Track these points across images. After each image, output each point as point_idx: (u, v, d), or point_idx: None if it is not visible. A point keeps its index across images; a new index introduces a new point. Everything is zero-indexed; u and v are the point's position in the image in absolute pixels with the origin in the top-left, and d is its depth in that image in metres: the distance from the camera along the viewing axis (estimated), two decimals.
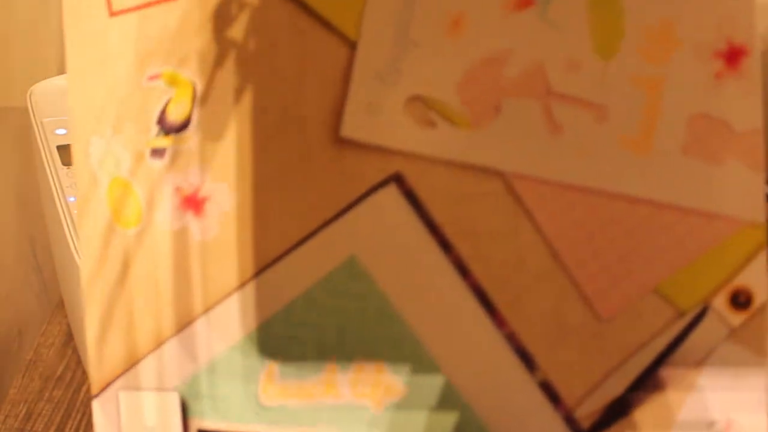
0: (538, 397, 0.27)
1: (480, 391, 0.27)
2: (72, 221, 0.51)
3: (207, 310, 0.27)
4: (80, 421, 0.55)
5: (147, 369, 0.28)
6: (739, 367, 0.25)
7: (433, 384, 0.27)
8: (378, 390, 0.27)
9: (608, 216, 0.26)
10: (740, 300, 0.25)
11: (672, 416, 0.26)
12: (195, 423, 0.28)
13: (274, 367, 0.27)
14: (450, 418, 0.27)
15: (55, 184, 0.54)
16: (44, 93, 0.64)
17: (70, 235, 0.50)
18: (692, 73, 0.25)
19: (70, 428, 0.55)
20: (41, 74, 0.74)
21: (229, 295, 0.27)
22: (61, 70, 0.75)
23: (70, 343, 0.61)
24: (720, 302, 0.26)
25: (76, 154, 0.28)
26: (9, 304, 0.72)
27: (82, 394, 0.57)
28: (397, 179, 0.26)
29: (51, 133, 0.59)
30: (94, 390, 0.29)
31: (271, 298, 0.27)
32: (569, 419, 0.27)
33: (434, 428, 0.27)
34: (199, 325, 0.28)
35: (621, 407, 0.26)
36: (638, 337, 0.26)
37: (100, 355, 0.28)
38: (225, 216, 0.27)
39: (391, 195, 0.26)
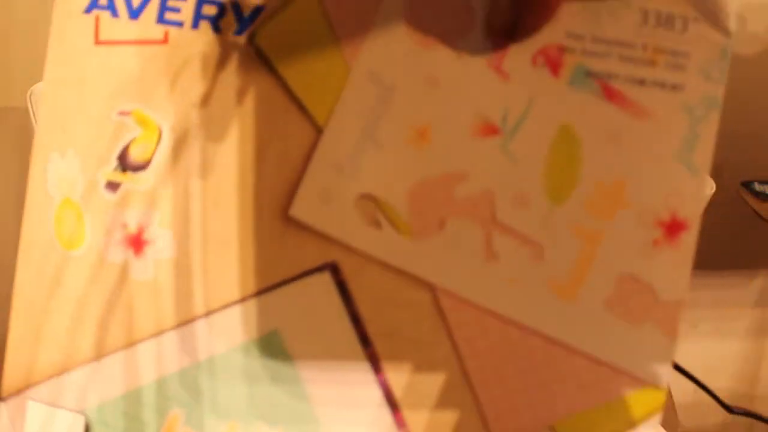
0: None
1: None
2: None
3: (126, 345, 0.28)
4: None
5: (60, 385, 0.29)
6: None
7: None
8: None
9: (522, 349, 0.27)
10: None
11: None
12: None
13: (179, 414, 0.28)
14: None
15: None
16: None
17: None
18: (631, 235, 0.26)
19: None
20: (41, 74, 0.74)
21: (148, 337, 0.28)
22: None
23: None
24: None
25: (34, 165, 0.29)
26: (9, 304, 0.72)
27: None
28: (333, 268, 0.27)
29: None
30: (5, 393, 0.29)
31: (190, 350, 0.28)
32: None
33: None
34: (116, 357, 0.28)
35: None
36: None
37: (17, 361, 0.29)
38: (161, 263, 0.27)
39: (324, 281, 0.27)
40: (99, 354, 0.28)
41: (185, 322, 0.28)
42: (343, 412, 0.27)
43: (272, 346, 0.27)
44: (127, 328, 0.28)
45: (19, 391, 0.29)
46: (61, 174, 0.29)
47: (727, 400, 1.02)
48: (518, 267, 0.27)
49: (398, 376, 0.27)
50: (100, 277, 0.28)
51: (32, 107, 0.62)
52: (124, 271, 0.28)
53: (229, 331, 0.28)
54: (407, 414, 0.27)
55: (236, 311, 0.28)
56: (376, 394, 0.28)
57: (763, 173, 0.94)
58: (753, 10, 0.92)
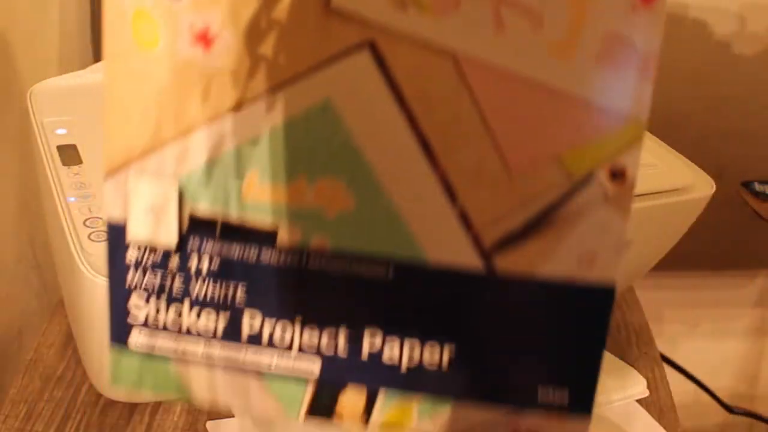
0: (456, 222, 0.35)
1: (413, 212, 0.35)
2: (72, 221, 0.51)
3: (205, 124, 0.35)
4: (80, 421, 0.55)
5: (151, 161, 0.36)
6: (606, 221, 0.35)
7: (377, 201, 0.35)
8: (335, 201, 0.36)
9: (530, 99, 0.34)
10: (617, 174, 0.34)
11: (553, 248, 0.35)
12: (188, 207, 0.36)
13: (255, 173, 0.36)
14: (386, 228, 0.36)
15: (55, 184, 0.54)
16: (44, 93, 0.64)
17: (70, 235, 0.50)
18: (613, 0, 0.33)
19: (70, 428, 0.55)
20: (41, 74, 0.74)
21: (225, 114, 0.35)
22: (62, 70, 0.75)
23: (70, 343, 0.61)
24: (602, 173, 0.34)
25: None
26: (9, 304, 0.72)
27: (82, 394, 0.57)
28: (371, 45, 0.34)
29: (51, 133, 0.59)
30: (107, 172, 0.36)
31: (258, 122, 0.35)
32: (477, 240, 0.35)
33: (373, 232, 0.36)
34: (197, 135, 0.35)
35: (516, 237, 0.35)
36: (538, 190, 0.35)
37: (114, 146, 0.36)
38: (228, 54, 0.34)
39: (365, 57, 0.34)
40: (183, 132, 0.35)
41: (252, 100, 0.35)
42: (390, 161, 0.35)
43: (327, 112, 0.35)
44: (204, 110, 0.35)
45: (119, 169, 0.36)
46: None
47: (727, 400, 1.02)
48: (522, 33, 0.33)
49: (431, 128, 0.34)
50: (176, 69, 0.35)
51: (32, 107, 0.62)
52: (196, 63, 0.34)
53: (290, 104, 0.35)
54: (440, 157, 0.35)
55: (294, 87, 0.34)
56: (413, 144, 0.34)
57: (763, 173, 0.94)
58: (753, 10, 0.92)
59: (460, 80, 0.34)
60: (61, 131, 0.59)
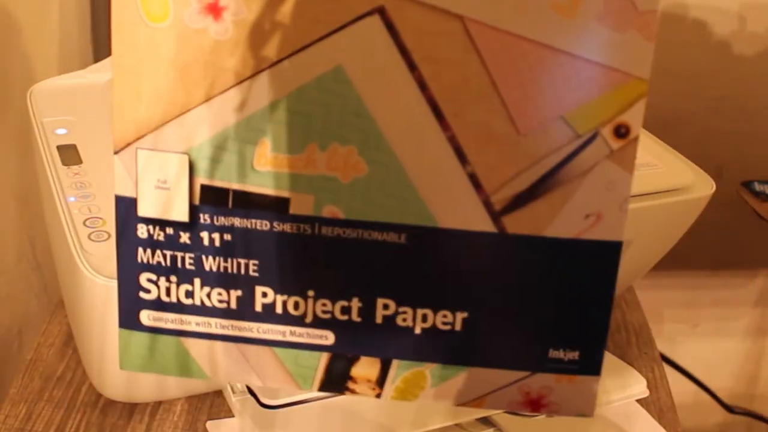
0: (466, 184, 0.36)
1: (424, 176, 0.36)
2: (72, 221, 0.51)
3: (215, 94, 0.35)
4: (80, 421, 0.55)
5: (161, 135, 0.36)
6: (611, 178, 0.35)
7: (389, 166, 0.35)
8: (347, 167, 0.36)
9: (536, 60, 0.34)
10: (621, 131, 0.35)
11: (561, 207, 0.36)
12: (199, 180, 0.36)
13: (266, 142, 0.35)
14: (398, 193, 0.36)
15: (55, 184, 0.54)
16: (44, 93, 0.64)
17: (70, 235, 0.50)
18: None
19: (70, 428, 0.55)
20: (41, 74, 0.74)
21: (235, 84, 0.35)
22: (61, 70, 0.75)
23: (70, 343, 0.61)
24: (607, 131, 0.35)
25: None
26: (9, 304, 0.72)
27: (82, 394, 0.57)
28: (381, 11, 0.34)
29: (51, 133, 0.59)
30: (116, 147, 0.36)
31: (269, 90, 0.35)
32: (487, 202, 0.36)
33: (385, 198, 0.36)
34: (207, 106, 0.35)
35: (525, 197, 0.36)
36: (545, 149, 0.35)
37: (123, 119, 0.36)
38: (238, 23, 0.34)
39: (375, 22, 0.34)
40: (193, 105, 0.35)
41: (262, 69, 0.35)
42: (401, 125, 0.35)
43: (338, 78, 0.35)
44: (213, 80, 0.35)
45: (128, 144, 0.36)
46: None
47: (727, 400, 1.02)
48: None
49: (440, 90, 0.35)
50: (186, 41, 0.35)
51: (32, 107, 0.62)
52: (206, 34, 0.34)
53: (301, 72, 0.35)
54: (450, 119, 0.35)
55: (305, 54, 0.35)
56: (423, 108, 0.35)
57: (763, 173, 0.94)
58: (753, 10, 0.92)
59: (468, 43, 0.34)
60: (61, 131, 0.59)
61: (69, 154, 0.57)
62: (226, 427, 0.54)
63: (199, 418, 0.55)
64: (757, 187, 0.90)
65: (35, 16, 0.74)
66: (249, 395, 0.53)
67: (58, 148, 0.57)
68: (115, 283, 0.46)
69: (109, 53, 0.76)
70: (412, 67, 0.35)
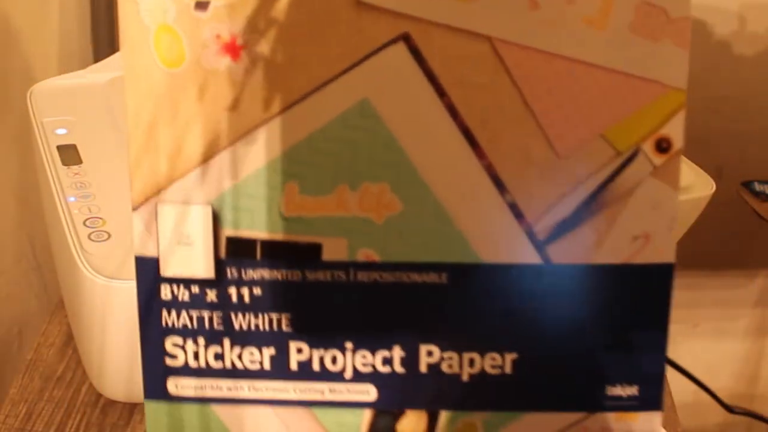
0: (507, 214, 0.34)
1: (462, 209, 0.34)
2: (72, 221, 0.51)
3: (238, 138, 0.33)
4: (80, 421, 0.55)
5: (183, 187, 0.34)
6: (657, 196, 0.34)
7: (425, 202, 0.34)
8: (380, 206, 0.34)
9: (569, 77, 0.33)
10: (663, 146, 0.34)
11: (607, 231, 0.34)
12: (224, 232, 0.34)
13: (294, 185, 0.34)
14: (436, 229, 0.34)
15: (55, 184, 0.54)
16: (44, 93, 0.64)
17: (70, 235, 0.50)
18: None
19: (70, 428, 0.55)
20: (41, 74, 0.74)
21: (258, 126, 0.33)
22: (62, 70, 0.75)
23: (70, 343, 0.61)
24: (648, 146, 0.34)
25: (124, 4, 0.33)
26: (9, 304, 0.72)
27: (82, 394, 0.57)
28: (405, 38, 0.33)
29: (51, 133, 0.59)
30: (134, 203, 0.34)
31: (294, 130, 0.33)
32: (530, 232, 0.34)
33: (422, 236, 0.34)
34: (229, 152, 0.33)
35: (569, 224, 0.34)
36: (586, 171, 0.34)
37: (141, 173, 0.34)
38: (257, 62, 0.33)
39: (400, 50, 0.33)
40: (214, 152, 0.33)
41: (285, 108, 0.33)
42: (433, 156, 0.33)
43: (365, 112, 0.33)
44: (234, 125, 0.33)
45: (147, 199, 0.34)
46: (152, 3, 0.33)
47: (727, 400, 1.02)
48: (556, 10, 0.33)
49: (472, 117, 0.33)
50: (204, 84, 0.33)
51: (32, 107, 0.62)
52: (224, 75, 0.33)
53: (325, 109, 0.33)
54: (485, 146, 0.33)
55: (328, 90, 0.33)
56: (456, 136, 0.33)
57: (763, 173, 0.94)
58: (753, 10, 0.92)
59: (498, 64, 0.33)
60: (61, 131, 0.59)
61: (69, 154, 0.57)
62: None
63: None
64: (757, 187, 0.90)
65: (35, 16, 0.74)
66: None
67: (58, 148, 0.57)
68: (115, 283, 0.46)
69: (109, 53, 0.76)
70: (441, 93, 0.33)
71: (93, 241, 0.49)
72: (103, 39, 0.81)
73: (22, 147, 0.70)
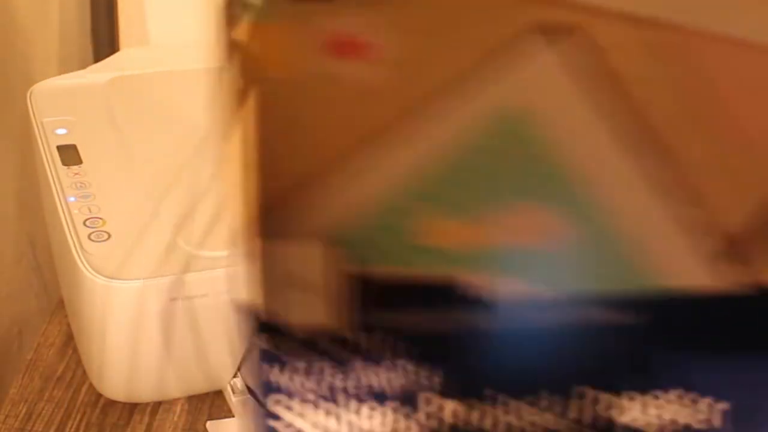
0: (698, 233, 0.28)
1: (646, 231, 0.28)
2: (72, 221, 0.51)
3: (358, 158, 0.27)
4: (80, 421, 0.55)
5: (297, 218, 0.28)
6: None
7: (598, 227, 0.28)
8: (541, 232, 0.28)
9: (765, 66, 0.27)
10: None
11: None
12: (347, 270, 0.28)
13: (432, 210, 0.28)
14: (613, 257, 0.28)
15: (55, 184, 0.54)
16: (44, 93, 0.64)
17: (70, 235, 0.50)
18: None
19: (70, 428, 0.54)
20: (41, 74, 0.74)
21: (382, 143, 0.27)
22: (62, 70, 0.75)
23: (70, 343, 0.60)
24: None
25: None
26: (9, 304, 0.72)
27: (82, 394, 0.57)
28: (569, 30, 0.27)
29: (51, 133, 0.59)
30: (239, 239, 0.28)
31: (427, 145, 0.27)
32: (728, 252, 0.28)
33: (596, 266, 0.28)
34: (350, 174, 0.27)
35: None
36: None
37: (249, 202, 0.27)
38: (381, 64, 0.26)
39: (562, 45, 0.27)
40: (331, 173, 0.27)
41: (416, 119, 0.27)
42: (603, 168, 0.28)
43: (517, 121, 0.27)
44: (354, 141, 0.27)
45: (254, 235, 0.28)
46: None
47: None
48: None
49: (661, 122, 0.27)
50: (314, 94, 0.27)
51: (32, 107, 0.62)
52: (341, 81, 0.26)
53: (466, 117, 0.27)
54: (677, 154, 0.28)
55: (470, 95, 0.27)
56: (638, 143, 0.27)
57: None
58: None
59: (691, 58, 0.27)
60: (61, 131, 0.59)
61: (69, 154, 0.57)
62: (226, 427, 0.54)
63: (199, 418, 0.55)
64: None
65: (35, 16, 0.74)
66: (249, 395, 0.53)
67: (58, 148, 0.57)
68: (115, 283, 0.46)
69: (109, 53, 0.76)
70: (612, 94, 0.27)
71: (93, 241, 0.49)
72: (103, 39, 0.81)
73: (22, 147, 0.70)
